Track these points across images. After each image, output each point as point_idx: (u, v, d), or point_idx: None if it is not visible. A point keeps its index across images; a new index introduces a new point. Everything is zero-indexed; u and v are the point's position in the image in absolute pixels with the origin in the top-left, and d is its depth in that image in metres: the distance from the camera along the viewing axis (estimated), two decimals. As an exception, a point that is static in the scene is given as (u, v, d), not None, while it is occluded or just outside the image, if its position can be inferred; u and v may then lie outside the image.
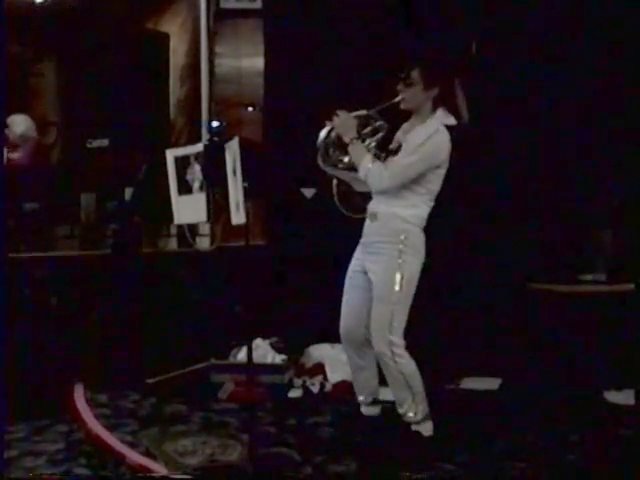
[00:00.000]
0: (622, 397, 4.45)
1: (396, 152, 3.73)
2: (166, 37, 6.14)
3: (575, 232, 5.12)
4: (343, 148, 3.77)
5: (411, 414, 3.71)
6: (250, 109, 5.46)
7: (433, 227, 5.09)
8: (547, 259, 5.09)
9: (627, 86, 4.97)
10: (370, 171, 3.64)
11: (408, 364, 3.67)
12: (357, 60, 5.28)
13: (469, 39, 5.25)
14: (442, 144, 3.67)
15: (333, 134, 3.76)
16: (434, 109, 3.71)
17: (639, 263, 4.68)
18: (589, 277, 4.94)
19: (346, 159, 3.80)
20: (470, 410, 4.38)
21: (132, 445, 3.83)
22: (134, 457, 3.67)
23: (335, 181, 3.95)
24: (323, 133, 3.77)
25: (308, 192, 4.01)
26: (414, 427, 3.75)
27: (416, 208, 3.73)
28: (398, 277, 3.66)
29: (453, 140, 3.68)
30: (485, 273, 5.11)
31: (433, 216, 4.99)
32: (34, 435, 4.02)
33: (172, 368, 5.00)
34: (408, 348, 3.79)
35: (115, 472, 3.55)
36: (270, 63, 5.64)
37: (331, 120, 3.76)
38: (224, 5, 5.72)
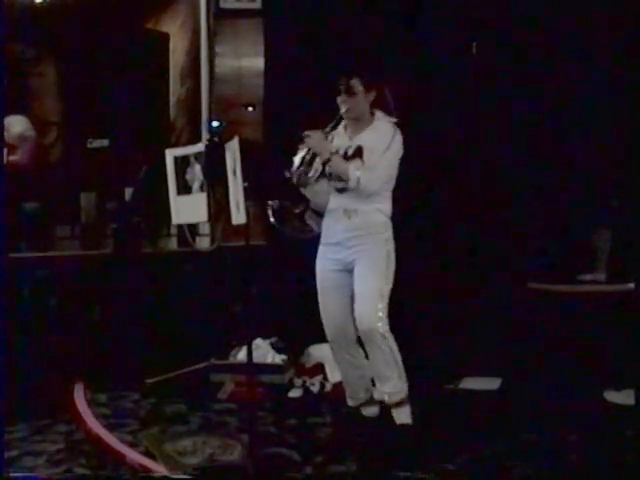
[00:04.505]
0: (622, 397, 4.45)
1: (357, 156, 3.83)
2: (166, 37, 6.15)
3: (575, 232, 5.12)
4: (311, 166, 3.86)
5: (397, 389, 3.79)
6: (250, 109, 5.46)
7: (433, 228, 5.12)
8: (547, 259, 5.08)
9: (627, 86, 4.97)
10: (360, 178, 3.76)
11: (394, 340, 3.79)
12: (357, 60, 5.27)
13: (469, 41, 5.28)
14: (401, 139, 3.87)
15: (308, 157, 3.82)
16: (372, 112, 3.92)
17: (639, 263, 4.68)
18: (589, 277, 4.94)
19: (314, 175, 3.85)
20: (470, 410, 4.38)
21: (132, 445, 3.83)
22: (134, 457, 3.67)
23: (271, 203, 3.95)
24: (298, 159, 3.82)
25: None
26: (395, 411, 3.82)
27: (389, 201, 3.93)
28: (386, 261, 3.84)
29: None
30: (485, 273, 5.11)
31: (433, 217, 4.98)
32: (34, 435, 4.02)
33: (172, 368, 5.00)
34: (408, 348, 3.81)
35: (115, 472, 3.55)
36: (270, 63, 5.64)
37: (303, 143, 3.84)
38: (224, 5, 5.72)
